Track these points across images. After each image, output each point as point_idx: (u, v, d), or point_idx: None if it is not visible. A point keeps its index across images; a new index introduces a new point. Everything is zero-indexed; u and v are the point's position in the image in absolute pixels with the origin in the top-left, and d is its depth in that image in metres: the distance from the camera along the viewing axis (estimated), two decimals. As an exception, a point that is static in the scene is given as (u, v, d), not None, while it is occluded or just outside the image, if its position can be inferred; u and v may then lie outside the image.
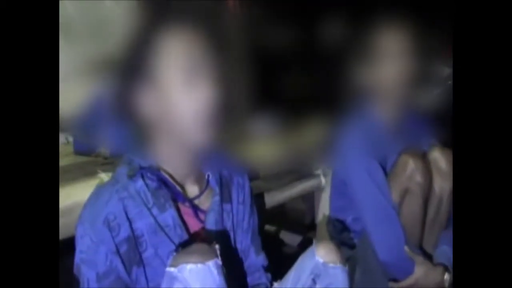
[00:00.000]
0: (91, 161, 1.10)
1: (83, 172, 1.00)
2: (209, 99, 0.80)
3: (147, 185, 0.82)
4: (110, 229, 0.79)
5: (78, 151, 1.21)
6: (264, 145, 1.25)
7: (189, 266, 0.73)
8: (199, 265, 0.73)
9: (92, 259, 0.79)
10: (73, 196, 0.88)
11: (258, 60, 0.94)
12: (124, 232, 0.80)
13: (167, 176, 0.85)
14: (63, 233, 0.78)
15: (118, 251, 0.79)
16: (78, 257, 0.80)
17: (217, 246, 0.78)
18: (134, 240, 0.81)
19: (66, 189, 0.90)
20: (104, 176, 0.99)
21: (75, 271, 0.81)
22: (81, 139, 1.19)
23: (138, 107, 0.81)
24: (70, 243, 0.78)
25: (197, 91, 0.79)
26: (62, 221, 0.84)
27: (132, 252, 0.80)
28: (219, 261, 0.76)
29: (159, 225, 0.83)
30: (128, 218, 0.80)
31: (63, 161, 1.11)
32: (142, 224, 0.82)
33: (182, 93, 0.79)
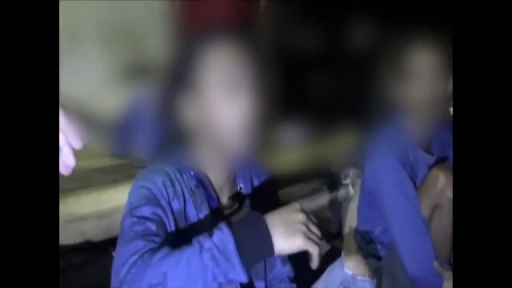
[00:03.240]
0: (130, 163, 1.13)
1: (124, 174, 1.04)
2: (250, 109, 0.81)
3: (188, 182, 0.85)
4: (167, 192, 0.81)
5: (115, 154, 1.25)
6: (292, 153, 1.26)
7: None
8: None
9: (149, 203, 0.78)
10: (115, 199, 0.92)
11: (287, 65, 0.95)
12: (177, 203, 0.82)
13: (206, 179, 0.87)
14: (105, 234, 0.81)
15: (173, 213, 0.80)
16: (127, 208, 0.79)
17: None
18: (183, 216, 0.82)
19: (109, 191, 0.93)
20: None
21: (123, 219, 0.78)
22: (119, 142, 1.23)
23: (180, 115, 0.83)
24: (113, 243, 0.81)
25: (239, 102, 0.81)
26: (104, 223, 0.88)
27: (180, 224, 0.81)
28: None
29: (199, 219, 0.84)
30: (183, 194, 0.82)
31: (101, 162, 1.15)
32: (189, 211, 0.84)
33: (224, 103, 0.81)
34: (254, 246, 0.71)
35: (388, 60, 1.18)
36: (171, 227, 0.80)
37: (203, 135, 0.84)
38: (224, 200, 0.91)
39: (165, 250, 0.70)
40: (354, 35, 1.30)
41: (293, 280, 1.01)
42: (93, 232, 0.85)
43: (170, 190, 0.81)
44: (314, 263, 0.75)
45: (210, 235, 0.70)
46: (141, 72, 1.08)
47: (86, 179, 0.98)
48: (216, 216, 0.88)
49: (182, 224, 0.82)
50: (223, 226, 0.71)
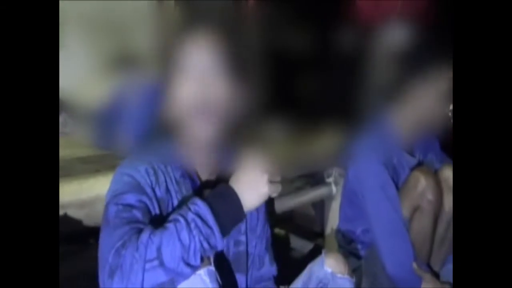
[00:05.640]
0: (112, 153, 1.12)
1: (105, 164, 1.03)
2: (216, 95, 0.82)
3: (173, 173, 0.85)
4: (151, 181, 0.81)
5: (98, 144, 1.23)
6: (277, 150, 1.26)
7: None
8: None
9: (133, 190, 0.79)
10: (96, 188, 0.91)
11: (273, 62, 0.95)
12: (160, 193, 0.82)
13: (192, 171, 0.88)
14: (86, 223, 0.80)
15: (158, 200, 0.81)
16: (110, 195, 0.80)
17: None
18: (167, 206, 0.83)
19: (91, 180, 0.92)
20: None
21: (107, 208, 0.78)
22: (101, 133, 1.21)
23: (159, 102, 0.83)
24: (93, 232, 0.80)
25: (208, 88, 0.82)
26: (84, 212, 0.87)
27: (161, 213, 0.81)
28: (212, 268, 0.78)
29: None
30: (167, 185, 0.83)
31: (84, 152, 1.14)
32: (173, 201, 0.84)
33: (192, 89, 0.82)
34: (229, 213, 0.77)
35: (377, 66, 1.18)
36: (156, 212, 0.81)
37: (176, 123, 0.84)
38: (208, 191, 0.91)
39: (149, 229, 0.73)
40: (342, 36, 1.30)
41: (276, 278, 1.02)
42: (74, 221, 0.84)
43: (152, 178, 0.82)
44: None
45: (189, 209, 0.76)
46: (125, 63, 1.07)
47: (67, 169, 0.97)
48: None
49: (165, 212, 0.83)
50: (197, 200, 0.77)
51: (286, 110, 1.19)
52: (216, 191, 0.80)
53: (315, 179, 1.63)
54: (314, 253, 0.99)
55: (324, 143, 1.30)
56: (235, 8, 1.01)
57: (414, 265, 1.16)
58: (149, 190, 0.81)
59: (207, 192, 0.89)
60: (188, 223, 0.73)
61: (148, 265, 0.70)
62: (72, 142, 1.13)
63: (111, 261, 0.70)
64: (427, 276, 1.17)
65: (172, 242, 0.72)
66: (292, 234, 1.65)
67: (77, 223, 0.85)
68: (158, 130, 0.87)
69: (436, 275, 1.21)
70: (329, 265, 0.93)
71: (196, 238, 0.73)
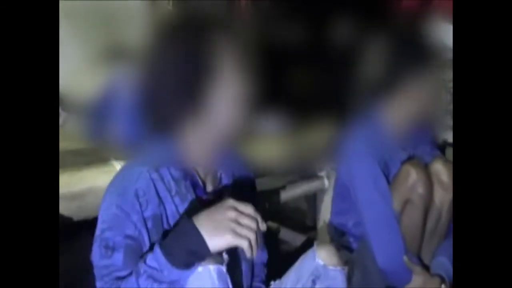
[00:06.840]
0: (104, 146, 1.11)
1: (98, 157, 1.02)
2: (243, 91, 0.82)
3: (171, 173, 0.85)
4: (140, 203, 0.81)
5: (90, 137, 1.22)
6: (270, 144, 1.26)
7: None
8: (200, 268, 0.76)
9: (119, 226, 0.80)
10: (87, 181, 0.90)
11: (267, 59, 0.95)
12: (151, 210, 0.82)
13: (191, 169, 0.87)
14: (77, 216, 0.80)
15: (146, 225, 0.81)
16: (100, 228, 0.81)
17: (225, 256, 0.80)
18: (160, 220, 0.83)
19: (82, 172, 0.91)
20: (116, 164, 1.01)
21: (93, 247, 0.81)
22: (93, 126, 1.21)
23: (169, 99, 0.81)
24: (84, 225, 0.80)
25: (232, 86, 0.81)
26: (76, 204, 0.87)
27: (156, 231, 0.82)
28: (223, 268, 0.78)
29: (179, 214, 0.85)
30: (159, 197, 0.83)
31: (76, 144, 1.13)
32: (167, 209, 0.84)
33: (217, 88, 0.80)
34: (187, 251, 0.75)
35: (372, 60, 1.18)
36: (145, 240, 0.82)
37: (193, 120, 0.82)
38: (209, 187, 0.91)
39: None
40: (335, 31, 1.30)
41: (265, 265, 1.02)
42: (65, 213, 0.84)
43: (142, 199, 0.82)
44: (248, 254, 0.77)
45: (144, 260, 0.76)
46: (118, 57, 1.07)
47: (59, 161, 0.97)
48: (202, 202, 0.87)
49: (159, 228, 0.83)
50: (155, 247, 0.76)
51: (280, 105, 1.19)
52: (176, 228, 0.78)
53: (307, 172, 1.64)
54: (306, 246, 1.00)
55: (317, 137, 1.30)
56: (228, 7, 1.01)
57: (405, 257, 1.17)
58: (136, 218, 0.81)
59: (208, 188, 0.90)
60: (138, 277, 0.75)
61: None
62: (64, 135, 1.12)
63: None
64: (418, 269, 1.18)
65: None
66: (284, 227, 1.66)
67: (68, 215, 0.85)
68: (153, 128, 0.87)
69: (426, 268, 1.22)
70: (321, 257, 0.93)
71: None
